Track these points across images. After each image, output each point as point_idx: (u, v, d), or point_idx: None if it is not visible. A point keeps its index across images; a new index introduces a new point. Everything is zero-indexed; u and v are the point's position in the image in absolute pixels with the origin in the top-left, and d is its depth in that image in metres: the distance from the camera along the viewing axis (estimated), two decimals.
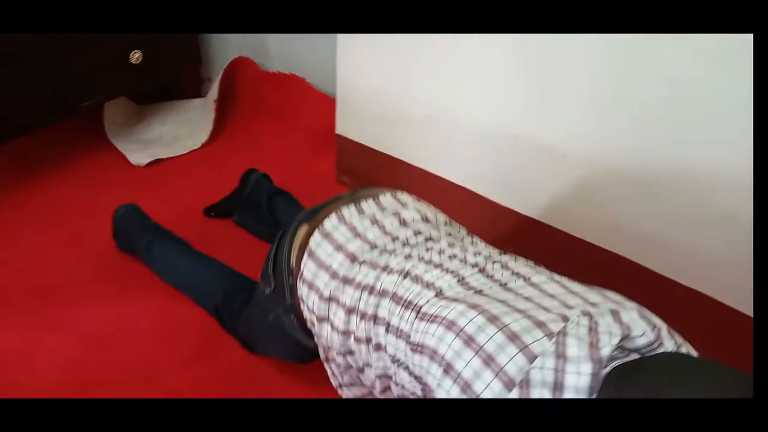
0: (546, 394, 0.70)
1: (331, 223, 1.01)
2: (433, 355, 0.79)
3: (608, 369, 0.70)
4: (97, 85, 1.73)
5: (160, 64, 1.85)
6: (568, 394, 0.70)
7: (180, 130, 1.99)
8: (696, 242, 1.24)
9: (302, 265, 1.01)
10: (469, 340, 0.76)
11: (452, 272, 0.88)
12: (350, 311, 0.93)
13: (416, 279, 0.89)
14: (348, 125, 1.72)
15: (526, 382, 0.71)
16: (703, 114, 1.14)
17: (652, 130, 1.21)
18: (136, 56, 1.74)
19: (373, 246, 0.97)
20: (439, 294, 0.85)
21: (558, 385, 0.70)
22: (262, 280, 1.12)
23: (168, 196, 1.72)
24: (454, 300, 0.82)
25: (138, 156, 1.84)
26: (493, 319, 0.76)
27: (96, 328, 1.35)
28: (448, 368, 0.77)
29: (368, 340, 0.91)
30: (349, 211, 1.03)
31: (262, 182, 1.58)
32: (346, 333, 0.94)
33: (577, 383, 0.70)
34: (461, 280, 0.86)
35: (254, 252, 1.34)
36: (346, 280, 0.95)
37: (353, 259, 0.97)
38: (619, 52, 1.18)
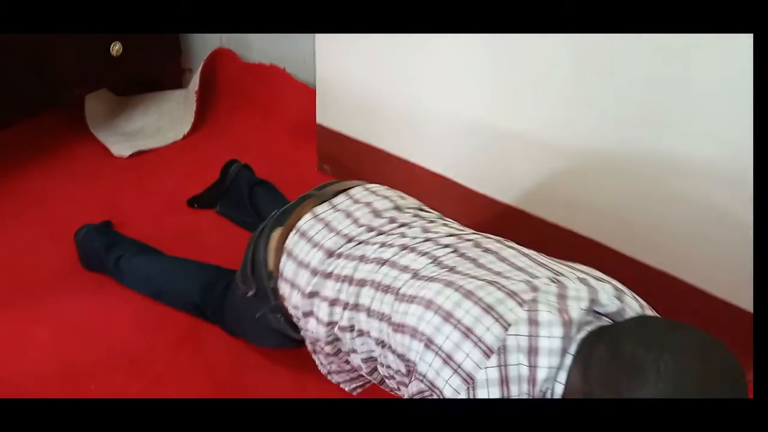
0: (522, 358, 0.76)
1: (305, 222, 1.04)
2: (414, 333, 0.83)
3: (582, 334, 0.76)
4: (78, 78, 1.73)
5: (141, 56, 1.86)
6: (542, 356, 0.75)
7: (162, 122, 2.00)
8: (661, 224, 1.29)
9: (282, 266, 1.04)
10: (447, 316, 0.81)
11: (426, 254, 0.92)
12: (333, 303, 0.97)
13: (392, 264, 0.92)
14: (328, 115, 1.75)
15: (503, 349, 0.76)
16: (673, 106, 1.19)
17: (625, 118, 1.25)
18: (116, 48, 1.75)
19: (348, 239, 1.00)
20: (416, 275, 0.89)
21: (532, 349, 0.76)
22: (242, 282, 1.14)
23: (151, 188, 1.73)
24: (430, 279, 0.86)
25: (120, 147, 1.85)
26: (468, 294, 0.81)
27: (80, 319, 1.37)
28: (428, 343, 0.82)
29: (351, 328, 0.95)
30: (322, 209, 1.06)
31: (243, 173, 1.60)
32: (330, 324, 0.98)
33: (550, 345, 0.75)
34: (435, 260, 0.90)
35: (238, 242, 1.36)
36: (326, 275, 0.98)
37: (330, 254, 1.00)
38: (591, 45, 1.22)
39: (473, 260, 0.89)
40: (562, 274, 0.85)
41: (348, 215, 1.04)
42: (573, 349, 0.75)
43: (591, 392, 0.71)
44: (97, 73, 1.78)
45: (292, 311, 1.05)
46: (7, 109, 1.63)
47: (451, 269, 0.88)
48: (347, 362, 1.04)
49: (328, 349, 1.02)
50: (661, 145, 1.22)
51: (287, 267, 1.03)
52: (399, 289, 0.89)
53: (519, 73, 1.34)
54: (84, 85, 1.79)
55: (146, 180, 1.77)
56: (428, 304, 0.83)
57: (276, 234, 1.07)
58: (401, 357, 0.86)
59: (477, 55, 1.37)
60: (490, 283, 0.82)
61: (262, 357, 1.31)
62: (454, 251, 0.92)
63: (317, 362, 1.11)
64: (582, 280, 0.83)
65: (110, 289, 1.43)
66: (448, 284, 0.84)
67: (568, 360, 0.75)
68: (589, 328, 0.76)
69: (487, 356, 0.77)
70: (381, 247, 0.96)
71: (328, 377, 1.11)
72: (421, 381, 0.82)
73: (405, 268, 0.91)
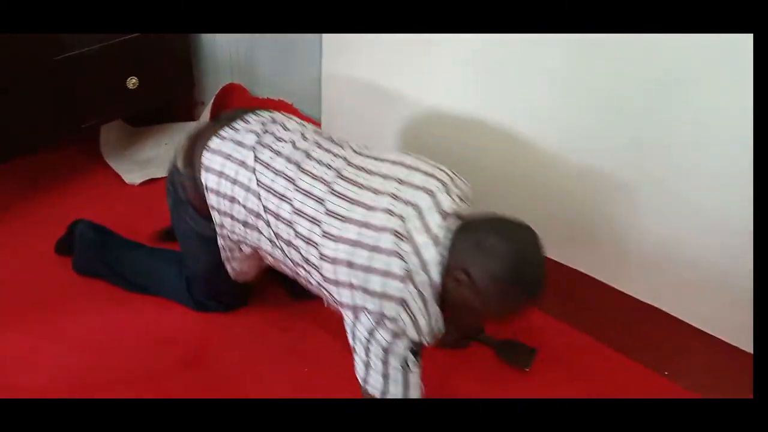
0: (421, 272, 1.04)
1: (215, 142, 1.23)
2: (334, 261, 1.08)
3: (449, 235, 1.04)
4: (96, 109, 1.82)
5: (155, 89, 1.94)
6: (431, 265, 1.03)
7: (174, 152, 2.08)
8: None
9: (204, 179, 1.23)
10: (355, 243, 1.06)
11: (321, 179, 1.13)
12: (243, 206, 1.19)
13: (291, 180, 1.14)
14: None
15: (408, 274, 1.04)
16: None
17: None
18: (132, 81, 1.84)
19: (257, 152, 1.19)
20: (318, 200, 1.11)
21: (422, 263, 1.04)
22: (176, 210, 1.35)
23: (159, 214, 1.79)
24: (330, 214, 1.09)
25: (132, 176, 1.93)
26: (364, 225, 1.06)
27: (91, 335, 1.44)
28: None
29: (257, 223, 1.19)
30: (230, 128, 1.25)
31: None
32: (245, 223, 1.21)
33: (431, 257, 1.04)
34: (325, 183, 1.13)
35: None
36: (238, 183, 1.19)
37: (242, 164, 1.19)
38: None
39: (360, 184, 1.12)
40: (413, 196, 1.08)
41: (255, 132, 1.22)
42: (445, 250, 1.04)
43: (464, 271, 1.02)
44: (114, 104, 1.87)
45: (215, 217, 1.25)
46: (30, 137, 1.72)
47: (345, 197, 1.10)
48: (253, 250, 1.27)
49: (237, 234, 1.24)
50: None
51: (209, 179, 1.22)
52: (300, 210, 1.12)
53: (515, 111, 1.40)
54: (101, 115, 1.87)
55: (155, 206, 1.83)
56: (337, 239, 1.08)
57: (183, 150, 1.30)
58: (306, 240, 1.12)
59: (476, 86, 1.45)
60: (378, 209, 1.07)
61: (269, 373, 1.35)
62: (342, 178, 1.13)
63: (229, 269, 1.34)
64: (428, 192, 1.09)
65: (122, 307, 1.50)
66: (346, 219, 1.08)
67: (445, 258, 1.03)
68: (449, 230, 1.05)
69: (403, 282, 1.04)
70: (287, 161, 1.17)
71: (229, 265, 1.33)
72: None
73: (304, 191, 1.13)
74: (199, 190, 1.25)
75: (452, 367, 1.43)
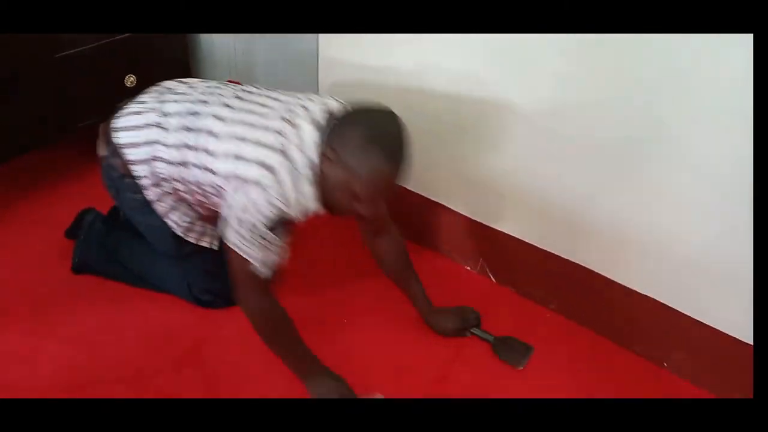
0: (293, 138, 1.17)
1: (119, 113, 1.39)
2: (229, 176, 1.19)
3: (330, 124, 1.18)
4: (95, 107, 1.82)
5: None
6: (309, 148, 1.16)
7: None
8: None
9: (118, 141, 1.35)
10: (246, 132, 1.19)
11: (217, 104, 1.26)
12: (159, 143, 1.30)
13: (193, 103, 1.28)
14: None
15: (282, 131, 1.18)
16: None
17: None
18: (130, 80, 1.85)
19: (159, 98, 1.34)
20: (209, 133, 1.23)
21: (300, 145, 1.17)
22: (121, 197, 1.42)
23: None
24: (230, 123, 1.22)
25: None
26: (255, 125, 1.20)
27: (91, 335, 1.44)
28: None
29: (170, 153, 1.28)
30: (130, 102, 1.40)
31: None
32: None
33: (309, 137, 1.17)
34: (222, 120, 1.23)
35: None
36: (147, 127, 1.31)
37: (148, 111, 1.33)
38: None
39: (248, 110, 1.24)
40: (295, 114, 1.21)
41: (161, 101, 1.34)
42: (324, 135, 1.17)
43: (331, 147, 1.15)
44: (112, 103, 1.87)
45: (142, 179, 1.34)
46: (29, 135, 1.73)
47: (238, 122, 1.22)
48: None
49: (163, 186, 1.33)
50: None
51: (129, 153, 1.33)
52: (203, 147, 1.23)
53: (503, 110, 1.41)
54: (100, 114, 1.86)
55: None
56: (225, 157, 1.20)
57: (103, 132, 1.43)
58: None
59: (469, 89, 1.45)
60: (261, 127, 1.19)
61: (264, 372, 1.36)
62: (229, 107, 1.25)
63: (173, 225, 1.38)
64: (305, 109, 1.21)
65: (119, 306, 1.51)
66: (242, 139, 1.19)
67: (324, 142, 1.17)
68: (331, 120, 1.19)
69: (278, 154, 1.17)
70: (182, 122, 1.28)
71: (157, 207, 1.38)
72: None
73: (199, 129, 1.24)
74: (123, 158, 1.33)
75: (450, 359, 1.44)
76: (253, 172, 1.16)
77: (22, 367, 1.35)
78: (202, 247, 1.44)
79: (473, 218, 1.61)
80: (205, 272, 1.47)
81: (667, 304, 1.38)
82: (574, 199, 1.42)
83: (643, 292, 1.41)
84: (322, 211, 1.24)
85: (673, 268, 1.34)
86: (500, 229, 1.58)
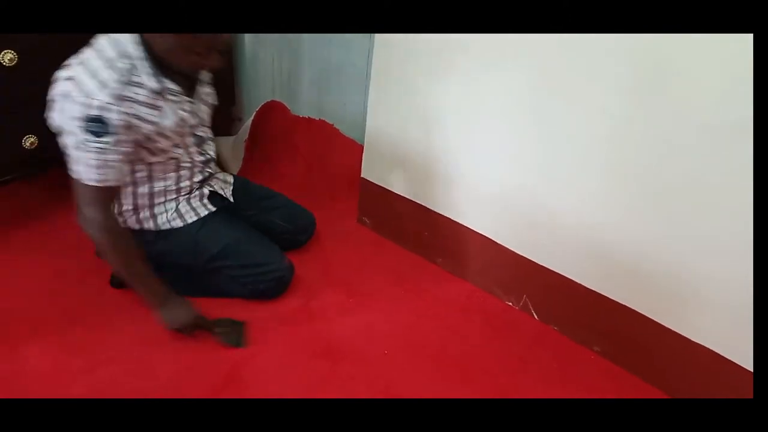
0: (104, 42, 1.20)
1: None
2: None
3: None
4: None
5: None
6: (127, 41, 1.19)
7: None
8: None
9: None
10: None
11: None
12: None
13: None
14: (374, 170, 1.81)
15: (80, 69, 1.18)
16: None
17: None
18: None
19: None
20: None
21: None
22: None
23: None
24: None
25: None
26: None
27: (122, 354, 1.38)
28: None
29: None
30: None
31: None
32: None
33: (125, 37, 1.19)
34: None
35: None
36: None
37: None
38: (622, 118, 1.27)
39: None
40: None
41: None
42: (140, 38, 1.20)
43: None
44: None
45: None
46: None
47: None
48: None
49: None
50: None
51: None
52: None
53: (560, 147, 1.39)
54: None
55: None
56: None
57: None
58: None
59: (518, 124, 1.43)
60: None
61: (303, 394, 1.32)
62: None
63: (161, 222, 1.43)
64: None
65: (151, 326, 1.46)
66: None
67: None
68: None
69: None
70: None
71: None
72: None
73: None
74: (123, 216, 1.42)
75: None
76: (60, 88, 1.18)
77: (46, 384, 1.29)
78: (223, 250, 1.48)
79: (519, 253, 1.58)
80: (242, 266, 1.49)
81: (722, 354, 1.33)
82: (632, 243, 1.38)
83: (698, 341, 1.36)
84: (170, 84, 1.26)
85: (732, 318, 1.29)
86: (547, 266, 1.54)
